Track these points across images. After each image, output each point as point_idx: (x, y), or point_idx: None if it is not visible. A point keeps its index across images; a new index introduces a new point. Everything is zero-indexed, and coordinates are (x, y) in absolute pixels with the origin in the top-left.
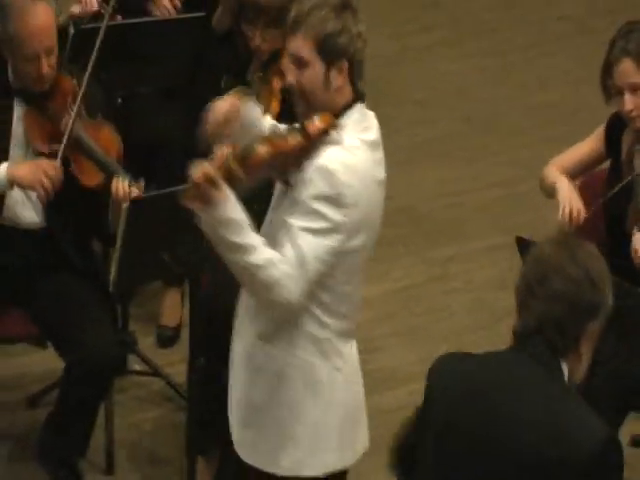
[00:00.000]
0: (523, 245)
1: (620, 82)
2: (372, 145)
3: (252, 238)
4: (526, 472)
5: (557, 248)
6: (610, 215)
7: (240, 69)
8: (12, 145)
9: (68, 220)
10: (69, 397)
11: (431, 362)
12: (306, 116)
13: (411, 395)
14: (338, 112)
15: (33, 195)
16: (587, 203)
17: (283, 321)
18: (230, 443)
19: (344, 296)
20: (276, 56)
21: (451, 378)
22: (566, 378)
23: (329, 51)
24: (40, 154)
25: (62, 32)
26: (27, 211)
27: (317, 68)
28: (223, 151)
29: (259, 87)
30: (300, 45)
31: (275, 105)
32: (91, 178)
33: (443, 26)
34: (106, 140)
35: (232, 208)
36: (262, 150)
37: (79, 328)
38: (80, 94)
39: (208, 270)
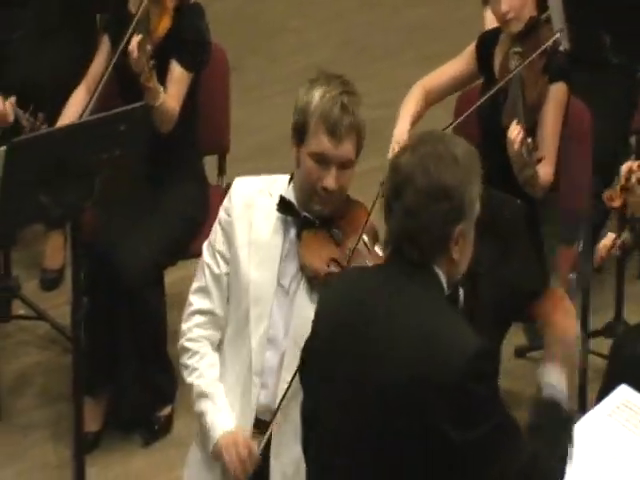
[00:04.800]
0: None
1: None
2: None
3: None
4: (392, 391)
5: (410, 156)
6: (485, 123)
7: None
8: None
9: None
10: None
11: None
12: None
13: None
14: None
15: None
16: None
17: None
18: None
19: None
20: None
21: (330, 300)
22: (444, 282)
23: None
24: None
25: None
26: None
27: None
28: None
29: (149, 5)
30: (350, 149)
31: (166, 21)
32: None
33: None
34: None
35: None
36: None
37: None
38: None
39: (96, 211)
